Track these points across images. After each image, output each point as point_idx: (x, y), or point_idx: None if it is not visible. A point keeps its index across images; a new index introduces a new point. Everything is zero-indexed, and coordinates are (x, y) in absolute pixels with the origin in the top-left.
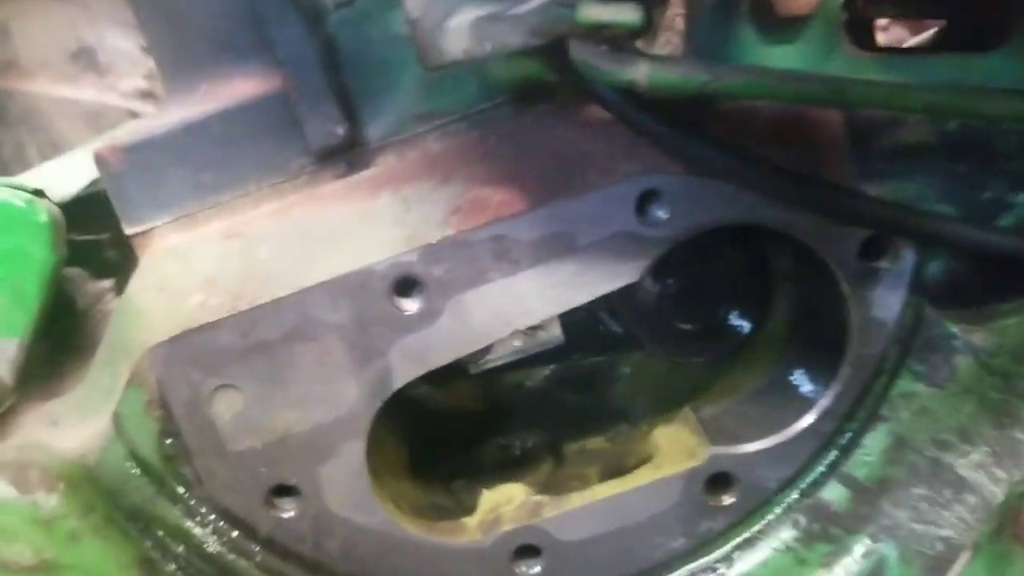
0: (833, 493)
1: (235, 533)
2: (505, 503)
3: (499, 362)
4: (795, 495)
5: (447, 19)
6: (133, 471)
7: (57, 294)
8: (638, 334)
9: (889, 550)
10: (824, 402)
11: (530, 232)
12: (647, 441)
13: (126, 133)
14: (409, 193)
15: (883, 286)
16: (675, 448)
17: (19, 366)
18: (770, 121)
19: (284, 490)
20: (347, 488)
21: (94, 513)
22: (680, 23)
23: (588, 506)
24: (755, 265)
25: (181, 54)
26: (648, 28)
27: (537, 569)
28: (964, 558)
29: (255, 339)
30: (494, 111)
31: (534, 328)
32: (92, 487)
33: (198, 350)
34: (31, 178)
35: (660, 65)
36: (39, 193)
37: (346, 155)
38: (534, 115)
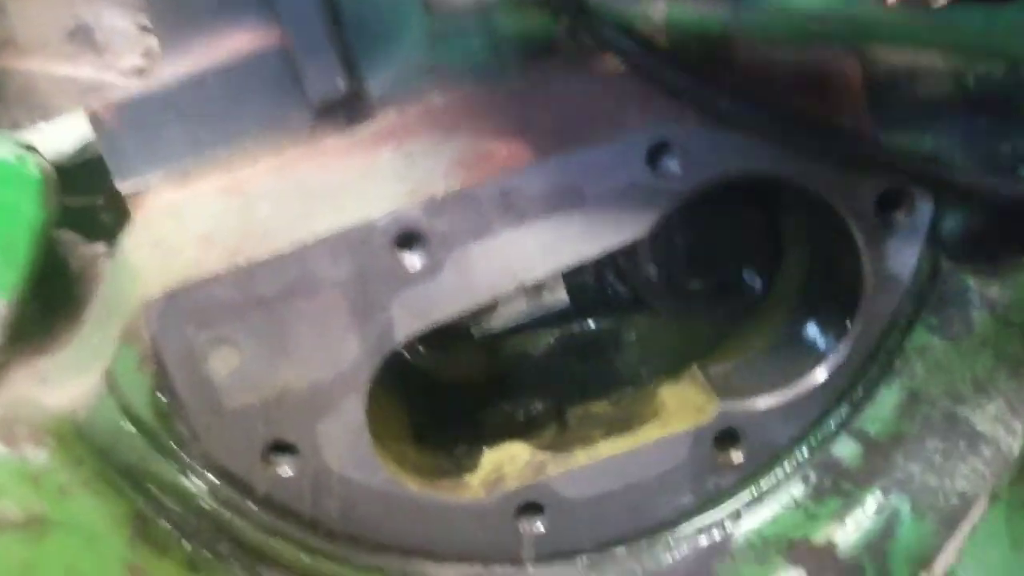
0: (845, 449)
1: (232, 491)
2: (508, 462)
3: (503, 325)
4: (805, 451)
5: None
6: (126, 427)
7: (48, 253)
8: (645, 294)
9: (902, 504)
10: (836, 357)
11: (537, 185)
12: (653, 401)
13: (121, 90)
14: (412, 147)
15: (899, 239)
16: (682, 405)
17: (8, 325)
18: (788, 73)
19: (282, 448)
20: (347, 445)
21: (84, 468)
22: None
23: (594, 464)
24: (766, 222)
25: (178, 8)
26: None
27: (541, 526)
28: (980, 507)
29: (253, 295)
30: (500, 66)
31: (539, 289)
32: (82, 442)
33: (194, 305)
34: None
35: (679, 2)
36: (30, 149)
37: (347, 110)
38: (542, 69)
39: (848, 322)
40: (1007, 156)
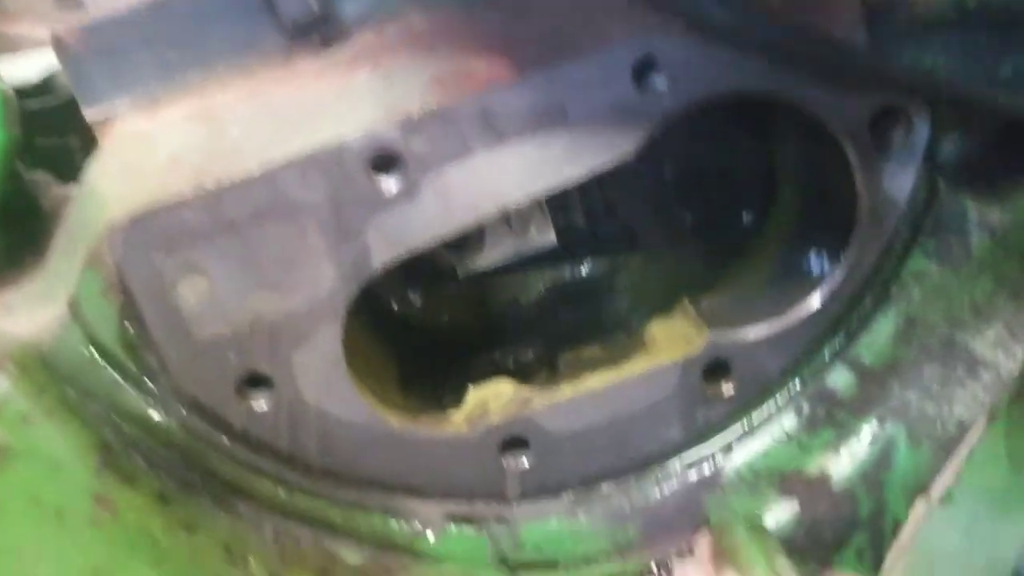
0: (839, 379)
1: (204, 424)
2: (493, 398)
3: (490, 264)
4: (798, 382)
5: None
6: (92, 357)
7: (15, 185)
8: (636, 227)
9: (898, 432)
10: (830, 284)
11: (518, 102)
12: (643, 338)
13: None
14: (389, 67)
15: (895, 160)
16: (671, 338)
17: None
18: None
19: (256, 380)
20: (323, 377)
21: (47, 396)
22: None
23: (580, 397)
24: (759, 153)
25: None
26: None
27: (526, 461)
28: (979, 427)
29: (222, 219)
30: None
31: (525, 226)
32: (45, 371)
33: (161, 230)
34: None
35: None
36: None
37: (322, 31)
38: None
39: (843, 247)
40: (1007, 75)
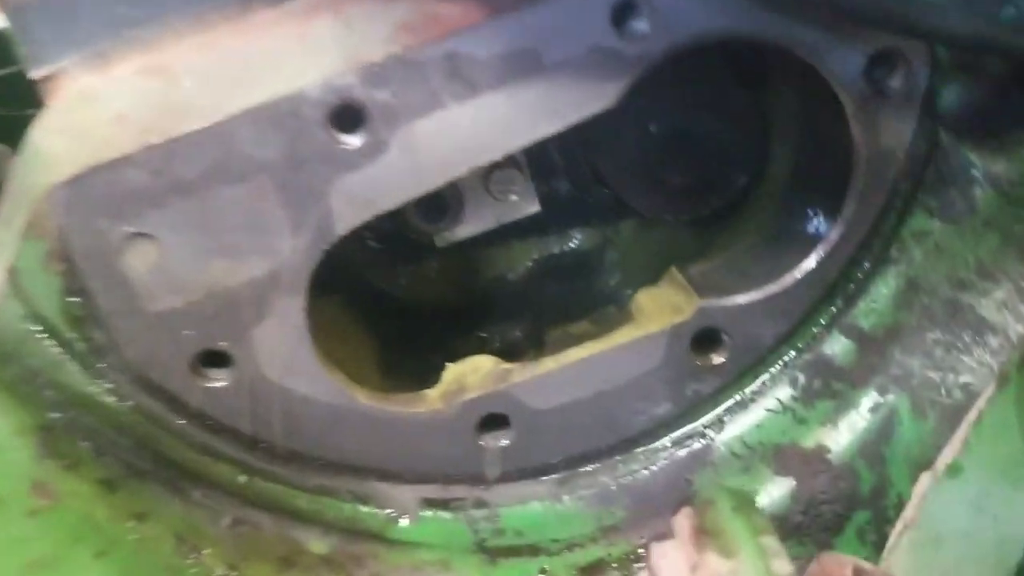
0: (836, 346)
1: (157, 405)
2: (471, 372)
3: (470, 234)
4: (793, 351)
5: None
6: (33, 332)
7: None
8: (622, 192)
9: (900, 402)
10: (825, 244)
11: (489, 47)
12: (630, 308)
13: None
14: (351, 13)
15: (893, 109)
16: (659, 306)
17: None
18: None
19: (213, 356)
20: (286, 352)
21: None
22: None
23: (562, 370)
24: (751, 109)
25: None
26: None
27: (506, 440)
28: (989, 391)
29: (171, 178)
30: None
31: (506, 189)
32: None
33: (104, 192)
34: None
35: None
36: None
37: None
38: None
39: (839, 208)
40: (1009, 19)
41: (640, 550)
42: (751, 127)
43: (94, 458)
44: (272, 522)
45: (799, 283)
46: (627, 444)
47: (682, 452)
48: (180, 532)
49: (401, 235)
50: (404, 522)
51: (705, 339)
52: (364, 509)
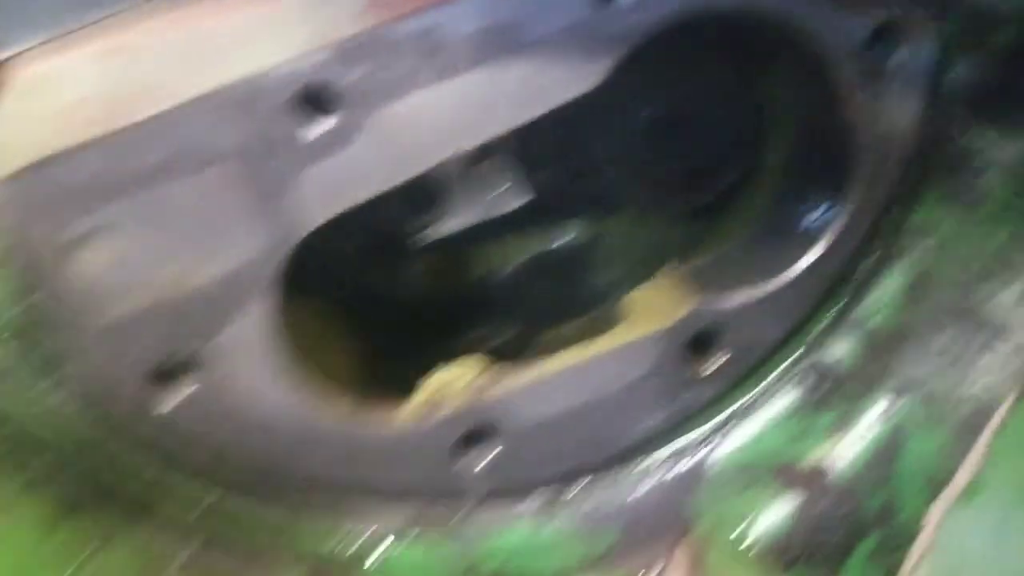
0: (841, 348)
1: (114, 417)
2: (451, 382)
3: (455, 228)
4: (795, 354)
5: None
6: None
7: None
8: (614, 185)
9: (910, 411)
10: (827, 237)
11: (467, 22)
12: (623, 308)
13: None
14: None
15: (898, 87)
16: (651, 306)
17: None
18: None
19: (175, 365)
20: (253, 362)
21: None
22: None
23: (547, 379)
24: (744, 87)
25: None
26: None
27: (486, 460)
28: (1008, 404)
29: (126, 170)
30: None
31: (493, 181)
32: None
33: (52, 187)
34: None
35: None
36: None
37: None
38: None
39: (842, 197)
40: None
41: None
42: (746, 112)
43: (43, 480)
44: (238, 550)
45: (800, 278)
46: (618, 459)
47: (677, 468)
48: (139, 565)
49: (381, 231)
50: (378, 551)
51: (700, 342)
52: (335, 536)
